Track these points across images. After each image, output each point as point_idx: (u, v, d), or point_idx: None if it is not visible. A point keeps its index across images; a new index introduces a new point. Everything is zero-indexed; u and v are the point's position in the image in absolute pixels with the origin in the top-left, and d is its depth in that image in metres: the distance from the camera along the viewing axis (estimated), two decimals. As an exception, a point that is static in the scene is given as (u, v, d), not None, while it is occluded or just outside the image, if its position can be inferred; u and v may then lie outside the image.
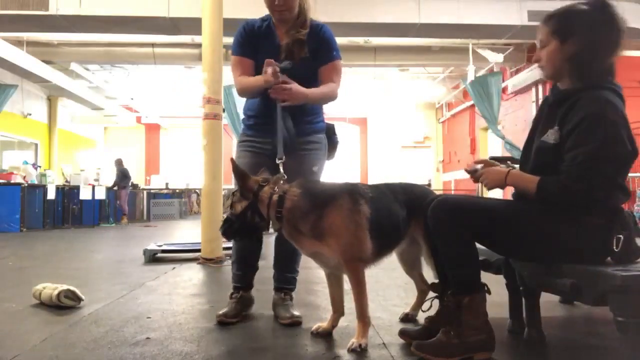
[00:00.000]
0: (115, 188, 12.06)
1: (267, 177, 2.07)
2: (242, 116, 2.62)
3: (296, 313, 2.36)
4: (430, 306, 1.98)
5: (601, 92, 1.71)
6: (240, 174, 2.02)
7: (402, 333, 2.03)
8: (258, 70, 2.30)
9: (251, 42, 2.40)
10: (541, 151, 1.81)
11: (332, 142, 2.56)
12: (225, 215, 2.09)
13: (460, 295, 1.78)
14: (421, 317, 2.34)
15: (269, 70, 2.15)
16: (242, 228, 2.01)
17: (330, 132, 2.56)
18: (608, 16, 1.72)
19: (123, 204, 12.08)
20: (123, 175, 12.21)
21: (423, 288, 2.39)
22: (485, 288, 1.82)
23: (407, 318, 2.33)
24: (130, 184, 12.63)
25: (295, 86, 2.17)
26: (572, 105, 1.73)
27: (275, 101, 2.21)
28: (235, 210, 2.01)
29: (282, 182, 2.03)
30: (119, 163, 12.30)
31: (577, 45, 1.73)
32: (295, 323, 2.28)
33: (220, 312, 2.35)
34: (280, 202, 1.95)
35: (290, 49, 2.32)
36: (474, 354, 1.75)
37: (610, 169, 1.66)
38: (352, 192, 1.99)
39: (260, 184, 2.01)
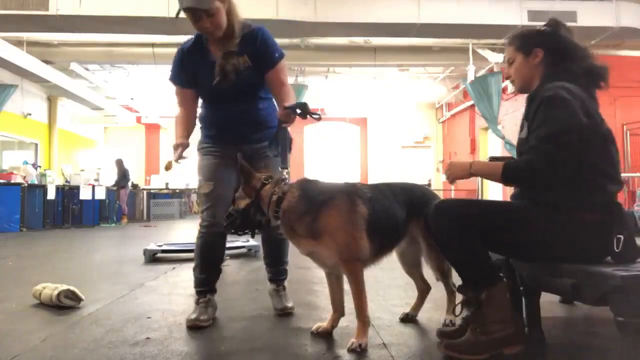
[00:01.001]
0: (115, 188, 12.06)
1: (270, 174, 2.07)
2: None
3: (289, 305, 2.48)
4: (461, 310, 1.92)
5: (557, 82, 1.79)
6: (246, 171, 2.04)
7: (441, 334, 2.01)
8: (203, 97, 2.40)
9: (186, 68, 2.42)
10: (519, 146, 1.94)
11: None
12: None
13: (478, 291, 1.79)
14: (421, 316, 2.35)
15: (177, 153, 2.28)
16: (244, 223, 2.04)
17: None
18: (562, 30, 1.96)
19: (123, 204, 12.09)
20: (123, 175, 12.24)
21: (423, 288, 2.39)
22: (503, 280, 1.84)
23: (407, 318, 2.33)
24: (129, 184, 12.64)
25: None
26: (533, 99, 1.86)
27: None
28: (238, 206, 2.04)
29: (283, 182, 2.03)
30: (119, 163, 12.32)
31: (539, 54, 1.92)
32: (288, 314, 2.45)
33: (192, 317, 2.27)
34: (279, 203, 1.97)
35: (222, 64, 2.28)
36: (503, 349, 1.75)
37: (568, 140, 1.68)
38: (349, 193, 2.00)
39: (262, 181, 2.03)
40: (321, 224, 1.93)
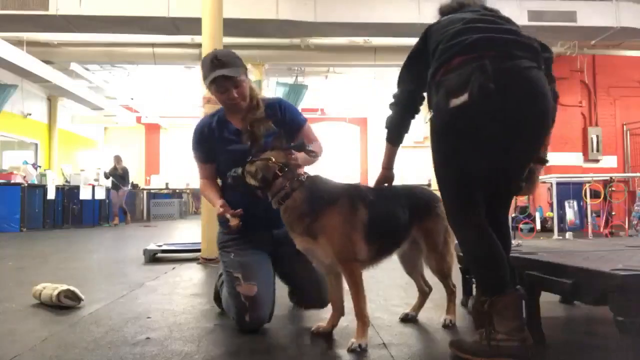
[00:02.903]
0: (111, 178, 11.69)
1: (286, 163, 2.03)
2: None
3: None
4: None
5: None
6: (263, 177, 2.01)
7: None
8: (224, 165, 2.29)
9: (205, 145, 2.43)
10: None
11: None
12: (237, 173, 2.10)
13: (484, 297, 1.77)
14: (421, 316, 2.35)
15: (222, 210, 2.19)
16: (245, 190, 2.08)
17: None
18: None
19: (123, 204, 11.93)
20: (124, 176, 11.97)
21: (424, 289, 2.39)
22: (517, 292, 1.78)
23: (407, 318, 2.33)
24: (129, 185, 12.40)
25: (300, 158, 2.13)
26: None
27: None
28: (248, 179, 2.04)
29: (296, 180, 2.00)
30: (118, 160, 11.95)
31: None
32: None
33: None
34: (285, 198, 1.98)
35: (251, 130, 2.31)
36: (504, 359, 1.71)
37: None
38: (351, 196, 2.01)
39: (276, 172, 2.00)
40: (319, 225, 1.93)
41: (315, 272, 2.26)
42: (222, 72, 2.21)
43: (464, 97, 1.66)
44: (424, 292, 2.39)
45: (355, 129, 18.07)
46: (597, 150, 9.76)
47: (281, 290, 2.49)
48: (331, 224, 1.93)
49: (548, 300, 2.19)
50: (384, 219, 2.05)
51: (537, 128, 1.79)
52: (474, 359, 1.74)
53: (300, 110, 2.47)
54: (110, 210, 11.88)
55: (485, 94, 1.64)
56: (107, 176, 11.94)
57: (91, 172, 12.21)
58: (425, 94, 1.97)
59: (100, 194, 11.21)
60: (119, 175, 11.83)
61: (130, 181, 12.48)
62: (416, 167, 16.03)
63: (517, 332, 1.71)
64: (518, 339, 1.71)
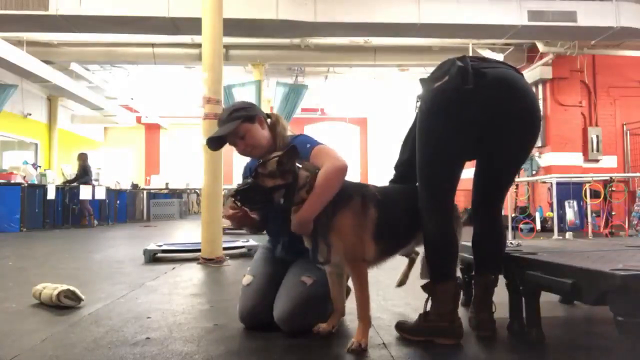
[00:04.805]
0: (75, 184, 10.86)
1: (302, 162, 2.00)
2: None
3: None
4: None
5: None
6: (294, 154, 1.94)
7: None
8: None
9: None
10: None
11: None
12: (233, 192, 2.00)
13: (433, 283, 1.97)
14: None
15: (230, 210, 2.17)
16: (263, 201, 1.96)
17: None
18: None
19: (86, 204, 10.85)
20: (84, 172, 10.99)
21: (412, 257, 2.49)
22: (456, 282, 1.98)
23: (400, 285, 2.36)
24: (91, 182, 11.21)
25: (295, 222, 1.96)
26: None
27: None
28: (263, 183, 1.93)
29: (315, 174, 1.97)
30: (82, 158, 11.11)
31: None
32: None
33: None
34: (307, 192, 1.93)
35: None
36: (435, 338, 1.93)
37: None
38: (362, 195, 2.01)
39: (296, 164, 1.96)
40: (333, 223, 1.93)
41: (298, 288, 2.16)
42: (212, 135, 2.23)
43: (445, 79, 1.87)
44: (412, 260, 2.49)
45: (355, 129, 18.09)
46: (597, 150, 9.76)
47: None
48: (345, 223, 1.93)
49: (548, 300, 2.19)
50: (391, 219, 2.05)
51: (518, 120, 1.92)
52: (411, 338, 1.98)
53: (309, 137, 2.28)
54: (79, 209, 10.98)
55: (464, 77, 1.81)
56: (75, 179, 11.05)
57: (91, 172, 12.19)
58: None
59: (100, 194, 11.19)
60: (85, 174, 11.03)
61: (89, 179, 11.28)
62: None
63: (448, 315, 1.93)
64: (449, 321, 1.92)
